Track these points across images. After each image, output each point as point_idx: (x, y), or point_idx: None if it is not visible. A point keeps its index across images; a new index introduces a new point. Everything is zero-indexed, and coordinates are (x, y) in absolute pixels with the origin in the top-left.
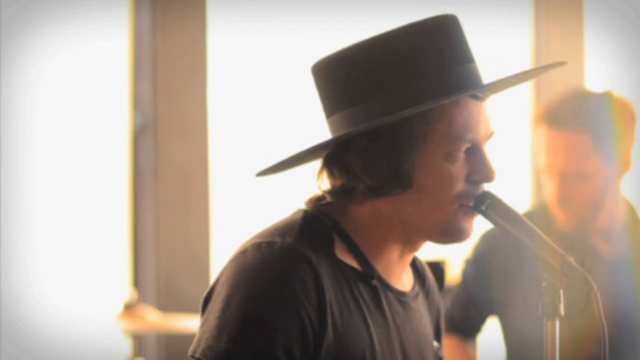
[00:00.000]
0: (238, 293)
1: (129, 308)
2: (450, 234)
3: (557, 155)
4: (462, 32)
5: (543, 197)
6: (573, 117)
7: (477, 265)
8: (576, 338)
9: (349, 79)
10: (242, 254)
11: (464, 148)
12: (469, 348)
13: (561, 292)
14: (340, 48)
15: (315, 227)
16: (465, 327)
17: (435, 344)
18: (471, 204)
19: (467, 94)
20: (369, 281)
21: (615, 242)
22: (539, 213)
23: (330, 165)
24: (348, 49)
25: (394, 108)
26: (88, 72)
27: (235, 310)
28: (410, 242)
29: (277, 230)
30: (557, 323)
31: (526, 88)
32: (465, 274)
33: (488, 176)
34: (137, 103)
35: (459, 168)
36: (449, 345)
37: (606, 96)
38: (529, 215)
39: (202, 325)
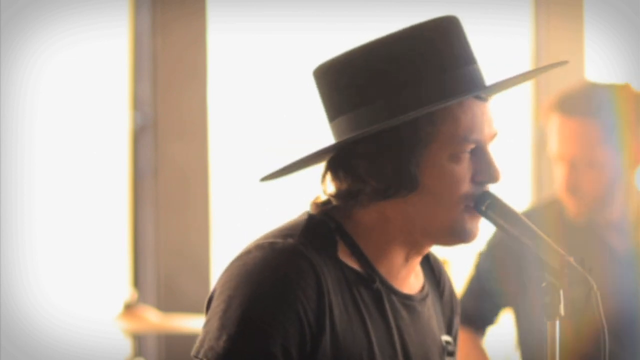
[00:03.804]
0: (239, 293)
1: (129, 308)
2: (457, 235)
3: (568, 142)
4: (463, 34)
5: (555, 190)
6: (585, 105)
7: (490, 257)
8: (576, 338)
9: (352, 82)
10: (246, 254)
11: (468, 149)
12: (480, 341)
13: (561, 292)
14: (341, 51)
15: (319, 229)
16: (478, 319)
17: (445, 337)
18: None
19: (471, 95)
20: (371, 285)
21: (627, 235)
22: (551, 206)
23: (335, 168)
24: (350, 52)
25: (397, 110)
26: (88, 72)
27: (236, 311)
28: (417, 245)
29: (281, 231)
30: (557, 323)
31: (526, 87)
32: (479, 266)
33: (493, 177)
34: (137, 103)
35: (464, 169)
36: (461, 338)
37: (619, 88)
38: (539, 208)
39: (205, 325)
